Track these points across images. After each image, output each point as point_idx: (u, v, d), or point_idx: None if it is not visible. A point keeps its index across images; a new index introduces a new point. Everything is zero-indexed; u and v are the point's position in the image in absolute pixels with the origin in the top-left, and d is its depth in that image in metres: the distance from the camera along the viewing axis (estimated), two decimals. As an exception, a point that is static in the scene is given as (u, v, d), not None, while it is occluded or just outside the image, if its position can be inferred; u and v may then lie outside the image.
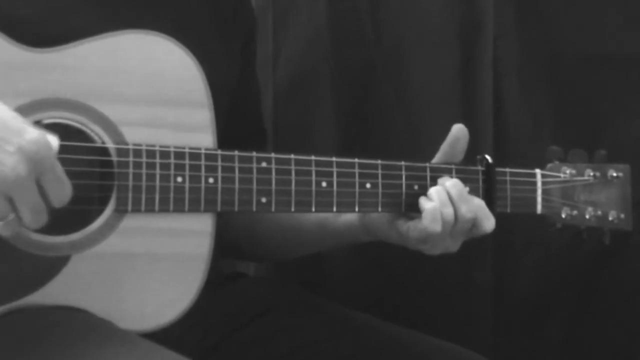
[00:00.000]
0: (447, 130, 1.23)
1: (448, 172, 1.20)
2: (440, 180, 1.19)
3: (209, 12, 1.29)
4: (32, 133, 0.94)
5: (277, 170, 1.12)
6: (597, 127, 1.54)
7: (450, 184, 1.17)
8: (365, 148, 1.59)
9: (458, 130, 1.21)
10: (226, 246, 1.28)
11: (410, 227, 1.18)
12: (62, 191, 0.98)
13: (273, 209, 1.12)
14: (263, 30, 1.54)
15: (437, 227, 1.15)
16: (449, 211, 1.16)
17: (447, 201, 1.16)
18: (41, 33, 1.08)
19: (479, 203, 1.18)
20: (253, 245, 1.39)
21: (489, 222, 1.18)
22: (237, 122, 1.29)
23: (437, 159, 1.22)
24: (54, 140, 0.97)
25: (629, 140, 1.51)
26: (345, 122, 1.64)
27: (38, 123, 1.03)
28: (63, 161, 0.98)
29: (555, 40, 1.57)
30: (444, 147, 1.22)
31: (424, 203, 1.16)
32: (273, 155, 1.12)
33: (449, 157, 1.21)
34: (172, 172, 1.08)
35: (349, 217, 1.25)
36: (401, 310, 1.57)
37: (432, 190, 1.17)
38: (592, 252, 1.55)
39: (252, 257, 1.54)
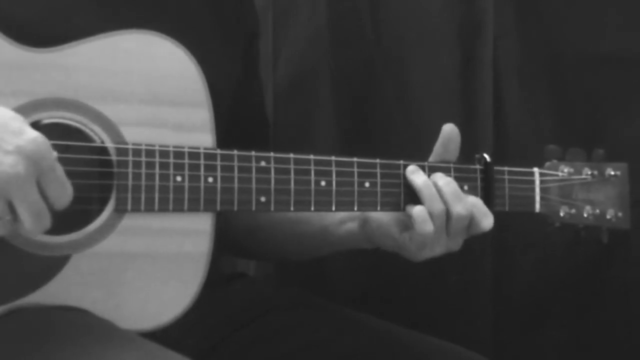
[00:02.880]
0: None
1: (446, 170, 1.19)
2: (432, 177, 1.17)
3: (209, 12, 1.29)
4: (31, 133, 0.94)
5: (276, 170, 1.12)
6: (596, 126, 1.55)
7: (443, 182, 1.16)
8: (365, 148, 1.59)
9: (449, 130, 1.20)
10: (227, 245, 1.28)
11: (407, 238, 1.18)
12: (62, 193, 0.98)
13: (272, 208, 1.12)
14: (263, 30, 1.54)
15: (429, 227, 1.14)
16: (438, 206, 1.15)
17: (435, 196, 1.15)
18: (41, 33, 1.08)
19: (474, 201, 1.17)
20: (254, 248, 1.40)
21: (487, 220, 1.17)
22: (240, 122, 1.29)
23: (431, 159, 1.21)
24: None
25: (627, 140, 1.51)
26: (345, 122, 1.64)
27: (37, 123, 1.03)
28: (63, 161, 0.98)
29: (555, 40, 1.57)
30: (437, 148, 1.21)
31: (410, 209, 1.16)
32: (272, 154, 1.12)
33: (443, 157, 1.20)
34: (171, 171, 1.07)
35: (351, 227, 1.24)
36: (401, 310, 1.56)
37: (420, 187, 1.16)
38: (591, 251, 1.55)
39: (253, 257, 1.55)
